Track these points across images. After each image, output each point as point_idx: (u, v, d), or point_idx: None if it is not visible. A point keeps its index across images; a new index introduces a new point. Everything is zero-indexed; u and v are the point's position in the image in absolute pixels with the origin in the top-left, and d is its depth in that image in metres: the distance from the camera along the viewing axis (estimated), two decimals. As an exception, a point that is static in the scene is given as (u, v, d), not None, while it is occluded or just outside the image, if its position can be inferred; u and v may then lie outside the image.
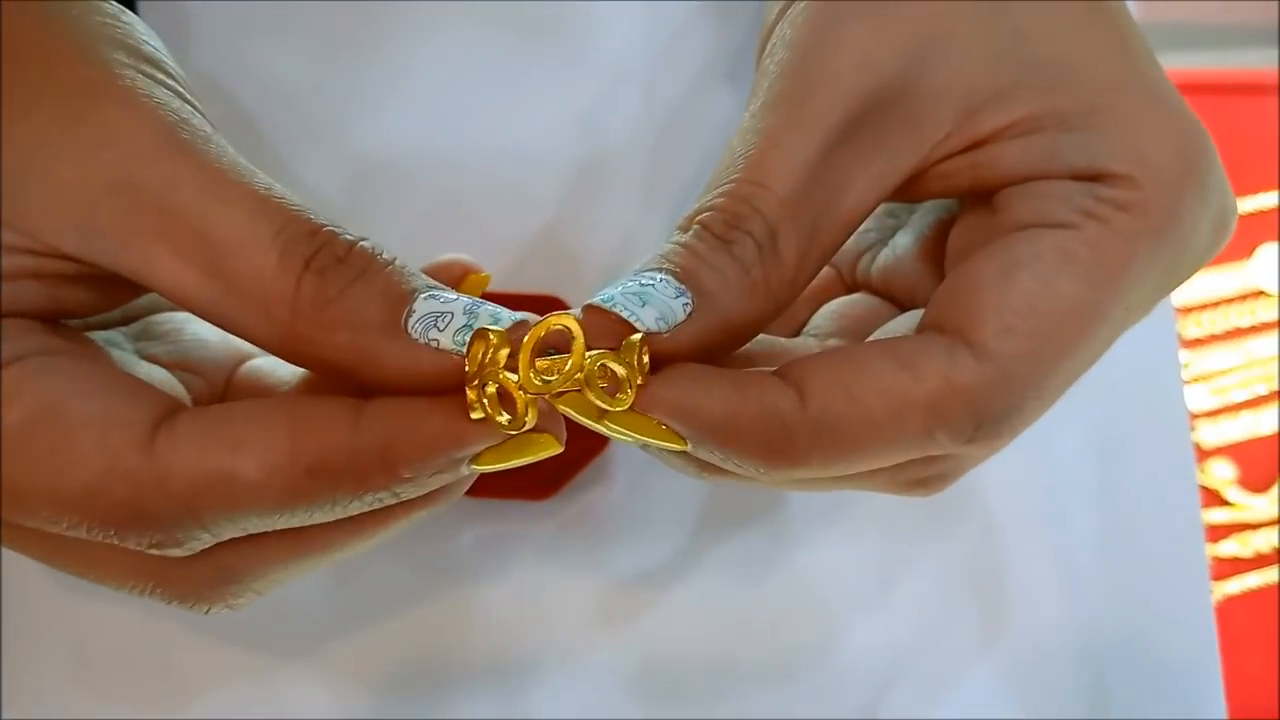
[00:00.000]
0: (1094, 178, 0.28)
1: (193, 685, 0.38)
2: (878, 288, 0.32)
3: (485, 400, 0.25)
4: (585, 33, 0.37)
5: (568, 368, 0.25)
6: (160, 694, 0.38)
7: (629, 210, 0.38)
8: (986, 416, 0.27)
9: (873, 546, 0.40)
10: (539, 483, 0.36)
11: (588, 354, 0.25)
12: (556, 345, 0.25)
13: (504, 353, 0.25)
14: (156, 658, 0.38)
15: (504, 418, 0.25)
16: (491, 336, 0.25)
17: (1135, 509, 0.43)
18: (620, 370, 0.25)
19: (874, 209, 0.28)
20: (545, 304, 0.36)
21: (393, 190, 0.37)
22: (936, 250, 0.31)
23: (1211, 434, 1.08)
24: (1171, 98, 0.29)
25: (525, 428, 0.25)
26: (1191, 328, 1.11)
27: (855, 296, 0.32)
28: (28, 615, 0.38)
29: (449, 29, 0.37)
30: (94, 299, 0.28)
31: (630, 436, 0.26)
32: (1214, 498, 1.05)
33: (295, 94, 0.37)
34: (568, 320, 0.25)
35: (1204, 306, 1.12)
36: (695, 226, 0.27)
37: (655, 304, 0.26)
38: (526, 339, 0.25)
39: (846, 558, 0.39)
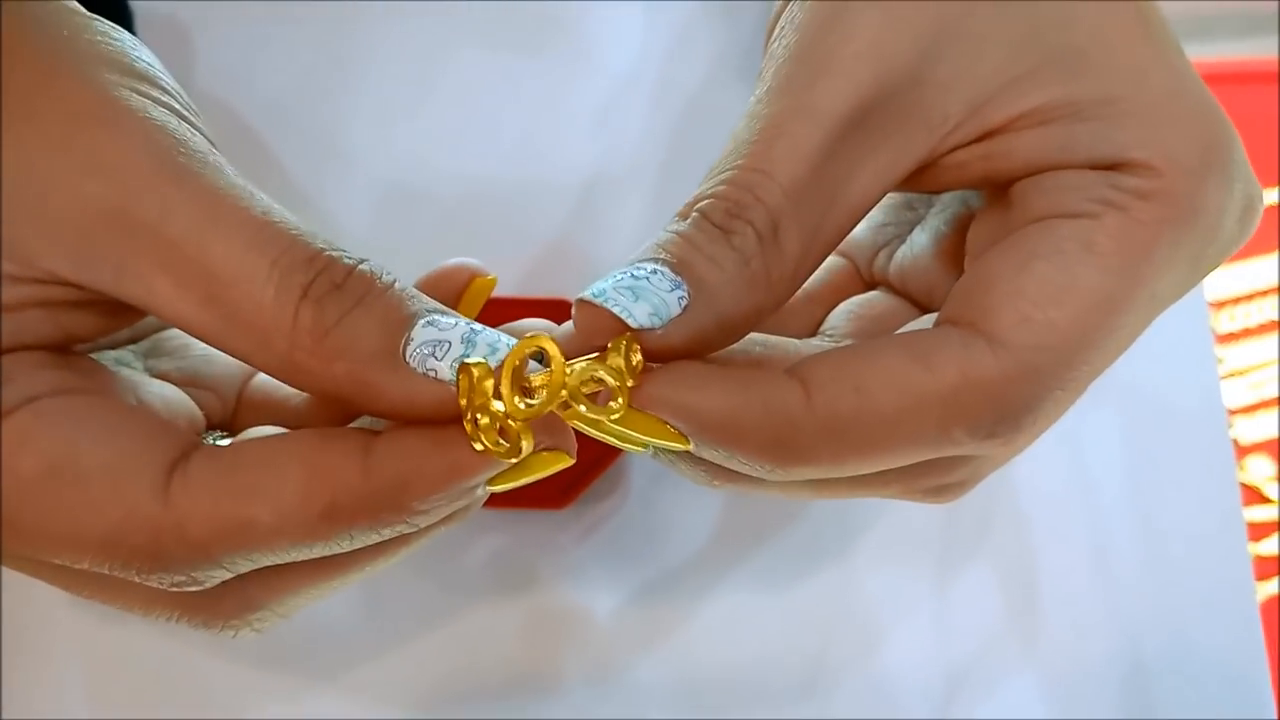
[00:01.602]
0: (1112, 167, 0.27)
1: (211, 701, 0.38)
2: (895, 286, 0.32)
3: (481, 432, 0.24)
4: (593, 36, 0.37)
5: (550, 387, 0.24)
6: (177, 711, 0.38)
7: (644, 211, 0.37)
8: (1006, 410, 0.26)
9: (902, 556, 0.39)
10: (555, 492, 0.36)
11: (568, 367, 0.25)
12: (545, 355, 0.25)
13: (489, 383, 0.24)
14: (173, 674, 0.38)
15: (502, 446, 0.25)
16: (474, 370, 0.24)
17: (1175, 510, 0.42)
18: (610, 380, 0.25)
19: (879, 200, 0.27)
20: (558, 308, 0.35)
21: (404, 200, 0.37)
22: (955, 249, 0.30)
23: (1249, 430, 1.06)
24: (1194, 86, 0.28)
25: (524, 454, 0.25)
26: (1225, 322, 1.09)
27: (872, 295, 0.32)
28: (32, 630, 0.38)
29: (455, 39, 0.37)
30: (102, 323, 0.27)
31: (632, 438, 0.25)
32: (1253, 495, 1.04)
33: (302, 109, 0.37)
34: (543, 342, 0.25)
35: (1237, 300, 1.10)
36: (694, 215, 0.26)
37: (648, 298, 0.25)
38: (504, 366, 0.24)
39: (874, 567, 0.39)
